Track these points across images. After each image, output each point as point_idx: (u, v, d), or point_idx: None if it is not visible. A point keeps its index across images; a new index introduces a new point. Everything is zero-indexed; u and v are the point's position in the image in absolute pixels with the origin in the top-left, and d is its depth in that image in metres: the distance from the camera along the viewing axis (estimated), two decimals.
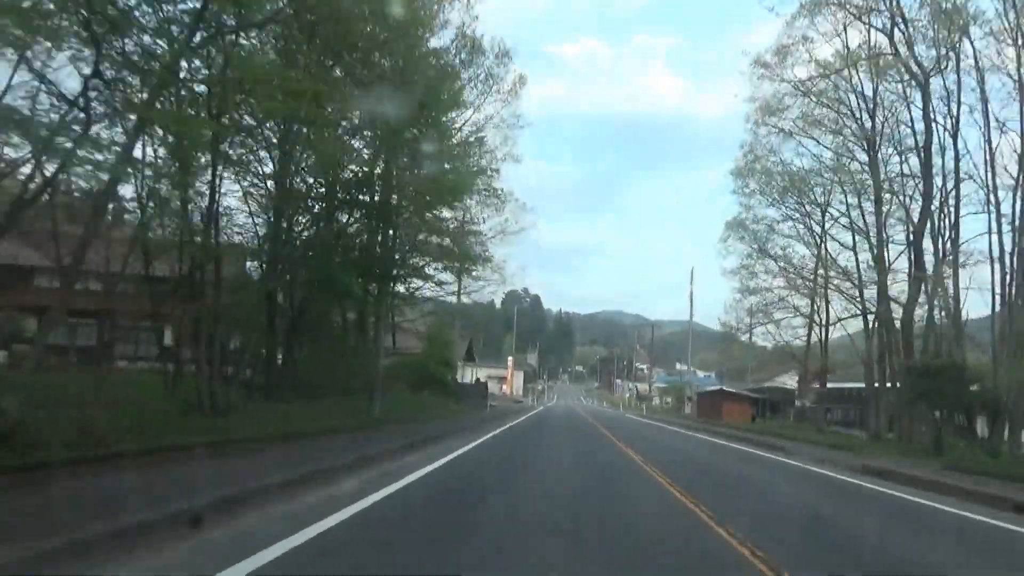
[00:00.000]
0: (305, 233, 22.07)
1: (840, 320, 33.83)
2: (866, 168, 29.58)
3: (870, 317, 31.38)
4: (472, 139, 27.67)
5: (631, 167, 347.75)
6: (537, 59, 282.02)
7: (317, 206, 21.34)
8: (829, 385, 77.02)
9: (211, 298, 15.89)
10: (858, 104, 29.08)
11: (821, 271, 34.75)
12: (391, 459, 11.30)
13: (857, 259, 31.12)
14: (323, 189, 21.78)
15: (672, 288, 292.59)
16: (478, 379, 54.75)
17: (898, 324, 28.77)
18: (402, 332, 42.07)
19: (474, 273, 36.78)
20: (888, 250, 29.17)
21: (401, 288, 32.01)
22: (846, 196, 31.11)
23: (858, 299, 31.19)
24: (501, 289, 36.67)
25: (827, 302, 35.64)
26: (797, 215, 35.66)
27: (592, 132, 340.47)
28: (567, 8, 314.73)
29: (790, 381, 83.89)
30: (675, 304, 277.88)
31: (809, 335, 38.36)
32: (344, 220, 22.69)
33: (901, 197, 27.82)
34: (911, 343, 24.52)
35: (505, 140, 30.96)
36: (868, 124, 29.19)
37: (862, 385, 66.05)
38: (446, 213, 29.35)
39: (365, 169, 22.55)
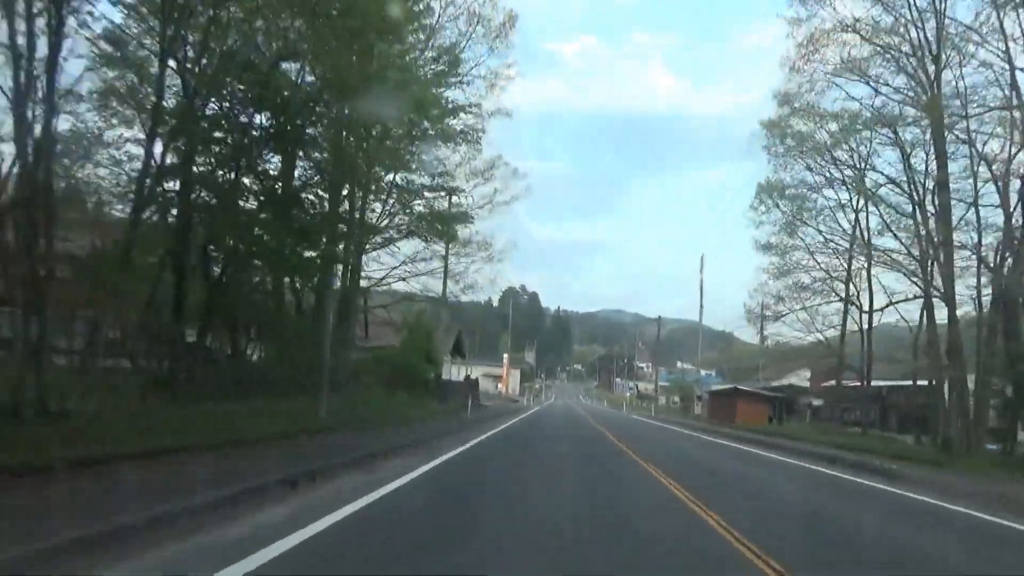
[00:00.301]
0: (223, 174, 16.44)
1: (893, 303, 28.23)
2: (922, 115, 24.20)
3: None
4: (443, 58, 21.88)
5: (630, 166, 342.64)
6: (535, 57, 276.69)
7: (233, 138, 15.72)
8: (830, 383, 71.51)
9: (29, 252, 10.48)
10: (918, 36, 23.58)
11: (863, 243, 29.31)
12: (225, 517, 5.68)
13: (917, 226, 25.56)
14: (245, 120, 16.24)
15: (671, 287, 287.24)
16: (467, 376, 49.12)
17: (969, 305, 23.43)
18: (377, 324, 36.52)
19: (455, 250, 31.23)
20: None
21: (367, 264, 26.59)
22: (902, 147, 25.70)
23: (915, 276, 25.63)
24: (488, 267, 31.03)
25: (870, 280, 30.16)
26: (832, 178, 30.32)
27: (591, 130, 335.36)
28: (565, 5, 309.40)
29: (798, 379, 78.48)
30: (675, 302, 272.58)
31: (844, 322, 32.73)
32: (275, 160, 17.09)
33: (975, 138, 22.33)
34: (1017, 327, 18.95)
35: (492, 88, 25.38)
36: (931, 67, 23.75)
37: (884, 383, 60.80)
38: (417, 178, 23.99)
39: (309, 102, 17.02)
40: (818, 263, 33.03)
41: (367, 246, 29.21)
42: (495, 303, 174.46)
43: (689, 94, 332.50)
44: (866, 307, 30.43)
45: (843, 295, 31.51)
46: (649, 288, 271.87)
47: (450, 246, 30.35)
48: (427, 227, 23.57)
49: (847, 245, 31.54)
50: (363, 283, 31.47)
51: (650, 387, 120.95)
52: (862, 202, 30.76)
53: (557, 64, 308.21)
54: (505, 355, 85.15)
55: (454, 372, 59.21)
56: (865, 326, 31.05)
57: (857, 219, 30.83)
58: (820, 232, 31.85)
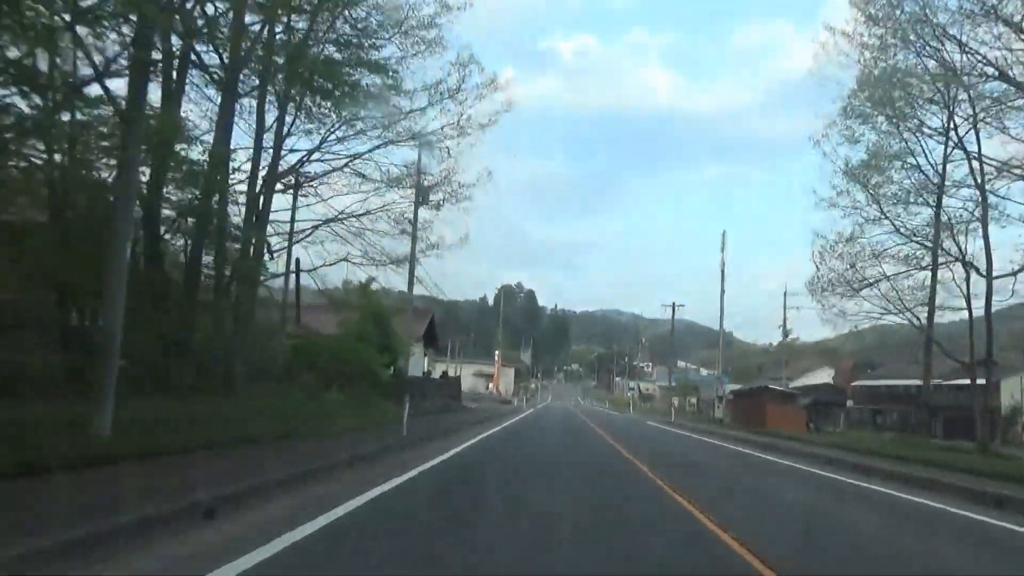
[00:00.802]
0: None
1: None
2: None
3: None
4: None
5: (627, 165, 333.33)
6: (531, 56, 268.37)
7: None
8: (862, 383, 62.85)
9: None
10: None
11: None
12: None
13: None
14: None
15: (669, 286, 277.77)
16: (446, 372, 40.30)
17: None
18: (318, 310, 27.80)
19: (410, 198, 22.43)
20: None
21: None
22: None
23: None
24: (455, 210, 22.42)
25: (986, 235, 21.30)
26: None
27: (587, 129, 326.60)
28: (561, 3, 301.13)
29: (816, 378, 69.75)
30: (672, 302, 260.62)
31: (932, 294, 23.86)
32: None
33: None
34: None
35: None
36: None
37: (910, 381, 52.53)
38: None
39: None
40: (893, 224, 24.42)
41: (284, 184, 20.58)
42: (490, 301, 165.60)
43: (687, 93, 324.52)
44: (987, 270, 21.19)
45: (957, 257, 22.54)
46: (647, 288, 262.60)
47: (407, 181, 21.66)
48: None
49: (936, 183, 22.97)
50: (305, 266, 22.62)
51: (650, 387, 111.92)
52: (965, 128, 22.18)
53: (552, 62, 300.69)
54: (497, 352, 76.11)
55: (438, 368, 50.30)
56: (987, 296, 21.70)
57: (959, 145, 22.17)
58: (906, 172, 23.19)
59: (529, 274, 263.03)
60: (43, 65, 9.89)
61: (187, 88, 17.05)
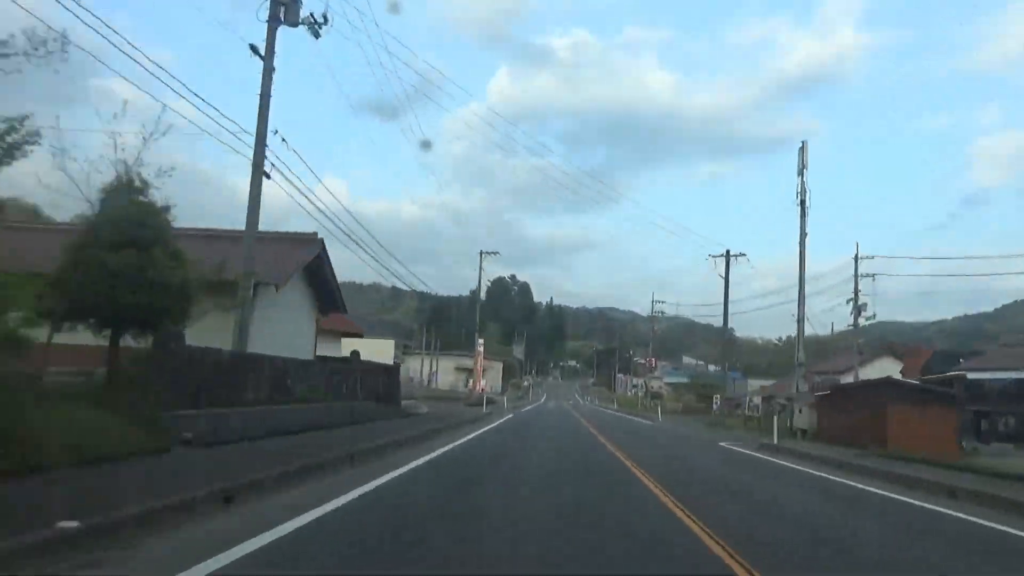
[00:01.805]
0: None
1: None
2: None
3: None
4: None
5: (623, 163, 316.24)
6: (527, 52, 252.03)
7: None
8: (960, 375, 46.60)
9: None
10: None
11: None
12: None
13: None
14: None
15: (666, 285, 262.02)
16: (356, 352, 23.85)
17: None
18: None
19: None
20: None
21: None
22: None
23: None
24: None
25: None
26: None
27: (583, 127, 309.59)
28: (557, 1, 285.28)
29: (873, 372, 54.12)
30: (669, 300, 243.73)
31: None
32: None
33: None
34: None
35: None
36: None
37: None
38: None
39: None
40: None
41: None
42: (482, 295, 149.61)
43: (682, 90, 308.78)
44: None
45: None
46: (644, 287, 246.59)
47: None
48: None
49: None
50: None
51: (656, 384, 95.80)
52: None
53: (548, 59, 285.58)
54: (479, 340, 59.67)
55: (409, 362, 33.87)
56: None
57: None
58: None
59: (524, 272, 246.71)
60: None
61: None
